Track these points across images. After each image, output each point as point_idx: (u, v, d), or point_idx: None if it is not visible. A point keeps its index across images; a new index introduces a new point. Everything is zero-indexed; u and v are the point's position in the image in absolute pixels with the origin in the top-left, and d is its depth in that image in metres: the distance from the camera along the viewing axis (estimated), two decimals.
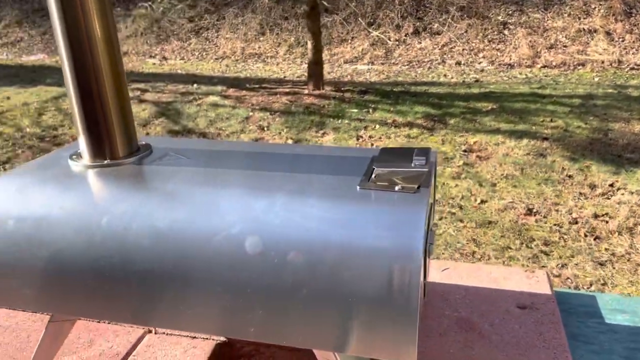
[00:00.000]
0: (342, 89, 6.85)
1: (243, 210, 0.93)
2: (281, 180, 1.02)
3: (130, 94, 6.88)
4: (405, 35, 10.52)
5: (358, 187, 0.97)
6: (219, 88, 7.13)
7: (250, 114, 5.89)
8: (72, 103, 1.09)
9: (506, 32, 10.15)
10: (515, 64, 9.27)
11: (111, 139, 1.10)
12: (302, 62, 10.32)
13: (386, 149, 1.10)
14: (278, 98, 6.43)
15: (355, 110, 5.83)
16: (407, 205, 0.89)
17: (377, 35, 10.55)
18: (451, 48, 10.07)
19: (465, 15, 10.56)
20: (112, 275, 0.93)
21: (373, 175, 0.99)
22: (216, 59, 10.81)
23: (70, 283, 0.96)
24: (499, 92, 6.61)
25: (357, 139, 5.02)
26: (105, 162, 1.12)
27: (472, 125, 5.20)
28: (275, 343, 0.91)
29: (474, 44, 10.01)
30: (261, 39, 11.35)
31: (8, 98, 6.79)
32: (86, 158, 1.14)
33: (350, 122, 5.48)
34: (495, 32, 10.13)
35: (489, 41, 10.02)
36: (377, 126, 5.31)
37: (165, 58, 10.84)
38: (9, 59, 10.83)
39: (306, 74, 8.89)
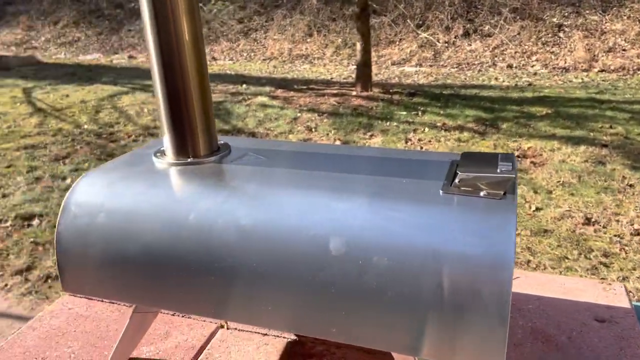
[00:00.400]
0: (391, 90, 6.80)
1: (326, 211, 0.93)
2: (361, 182, 1.02)
3: None
4: (455, 37, 10.36)
5: (441, 192, 0.96)
6: (267, 89, 7.20)
7: (298, 114, 5.93)
8: (159, 102, 1.11)
9: (561, 34, 9.84)
10: (571, 68, 8.97)
11: (194, 138, 1.13)
12: (349, 63, 10.31)
13: (468, 154, 1.07)
14: (326, 99, 6.44)
15: (404, 113, 5.77)
16: (495, 211, 0.87)
17: (426, 37, 10.42)
18: (502, 50, 9.85)
19: (518, 17, 10.30)
20: (197, 270, 0.95)
21: (457, 180, 0.97)
22: (264, 59, 10.93)
23: (157, 275, 0.98)
24: (554, 96, 6.41)
25: (406, 142, 4.97)
26: (189, 160, 1.15)
27: (525, 130, 5.06)
28: (357, 344, 0.90)
29: (526, 47, 9.75)
30: (308, 40, 11.41)
31: (67, 96, 7.06)
32: (170, 156, 1.17)
33: (398, 124, 5.44)
34: (550, 35, 9.84)
35: (543, 44, 9.74)
36: (427, 129, 5.25)
37: (214, 58, 11.05)
38: (66, 58, 11.28)
39: (353, 75, 8.88)
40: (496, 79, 8.30)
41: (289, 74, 9.15)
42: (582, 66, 8.96)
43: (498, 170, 0.96)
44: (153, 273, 0.99)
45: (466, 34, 10.40)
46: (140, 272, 0.99)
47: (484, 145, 4.76)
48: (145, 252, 0.97)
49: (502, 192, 0.93)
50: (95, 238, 0.99)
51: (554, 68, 9.11)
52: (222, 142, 1.25)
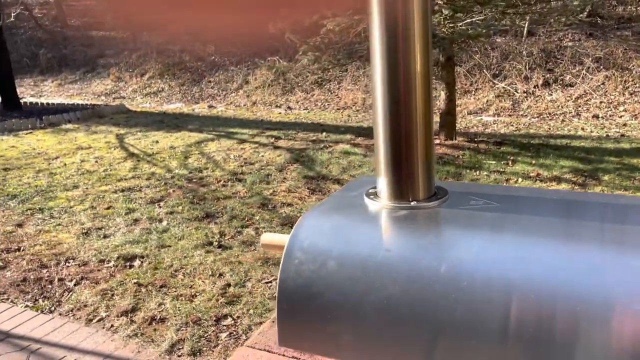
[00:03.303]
0: (475, 139, 6.65)
1: (620, 270, 0.79)
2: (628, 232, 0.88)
3: (265, 141, 7.20)
4: (535, 87, 10.12)
5: None
6: (347, 136, 7.24)
7: None
8: (379, 141, 1.07)
9: None
10: None
11: (414, 180, 1.06)
12: None
13: None
14: None
15: (493, 162, 5.59)
16: None
17: (504, 87, 10.25)
18: (586, 100, 9.49)
19: (601, 67, 9.96)
20: (457, 330, 0.83)
21: None
22: (337, 109, 11.09)
23: (400, 335, 0.87)
24: None
25: None
26: (412, 203, 1.07)
27: (630, 182, 4.74)
28: None
29: (612, 97, 9.36)
30: None
31: (157, 142, 7.40)
32: (385, 198, 1.09)
33: (489, 174, 5.26)
34: (638, 85, 9.42)
35: (630, 94, 9.31)
36: (520, 179, 5.03)
37: (290, 108, 11.33)
38: (151, 107, 11.93)
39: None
40: (583, 129, 7.96)
41: (364, 123, 9.19)
42: None
43: None
44: (395, 332, 0.87)
45: (546, 84, 10.14)
46: (379, 328, 0.88)
47: None
48: (386, 307, 0.87)
49: None
50: (324, 288, 0.90)
51: None
52: (436, 185, 1.16)
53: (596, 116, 8.96)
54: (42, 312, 3.20)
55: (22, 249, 4.02)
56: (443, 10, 5.34)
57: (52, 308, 3.24)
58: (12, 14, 10.76)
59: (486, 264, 0.85)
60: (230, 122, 9.05)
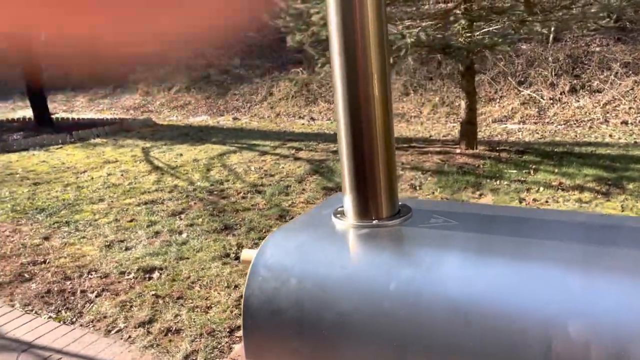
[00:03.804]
0: (497, 148, 6.57)
1: (556, 287, 0.81)
2: (584, 253, 0.90)
3: (286, 152, 7.27)
4: (561, 94, 9.94)
5: None
6: None
7: (401, 172, 5.86)
8: (343, 160, 1.10)
9: None
10: None
11: (377, 199, 1.09)
12: (446, 121, 10.20)
13: None
14: (429, 157, 6.34)
15: (514, 171, 5.52)
16: None
17: (529, 94, 10.10)
18: (615, 107, 9.28)
19: (630, 72, 9.73)
20: (404, 346, 0.86)
21: None
22: None
23: (353, 349, 0.91)
24: None
25: (520, 202, 4.71)
26: (374, 222, 1.10)
27: None
28: None
29: None
30: (404, 99, 11.49)
31: (181, 154, 7.55)
32: (351, 217, 1.13)
33: (509, 183, 5.19)
34: None
35: None
36: (541, 189, 4.95)
37: (312, 119, 11.41)
38: (178, 120, 12.18)
39: (453, 133, 8.74)
40: (611, 136, 7.77)
41: None
42: None
43: None
44: (348, 346, 0.91)
45: (573, 90, 9.95)
46: (334, 343, 0.92)
47: (610, 207, 4.38)
48: (340, 323, 0.91)
49: None
50: (286, 304, 0.95)
51: None
52: (400, 203, 1.19)
53: (625, 122, 8.75)
54: (64, 323, 3.30)
55: (47, 261, 4.16)
56: (462, 20, 5.34)
57: (74, 319, 3.34)
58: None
59: (432, 282, 0.87)
60: (253, 134, 9.16)
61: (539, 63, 10.60)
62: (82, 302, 3.53)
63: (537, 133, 8.35)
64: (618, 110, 9.24)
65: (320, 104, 12.16)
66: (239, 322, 3.11)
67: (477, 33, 4.82)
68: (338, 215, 1.14)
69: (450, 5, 5.30)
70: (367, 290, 0.90)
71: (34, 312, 3.46)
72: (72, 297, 3.60)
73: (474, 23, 4.94)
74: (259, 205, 5.20)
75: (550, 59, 10.74)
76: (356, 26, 1.02)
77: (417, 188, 5.34)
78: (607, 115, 9.17)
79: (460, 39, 4.83)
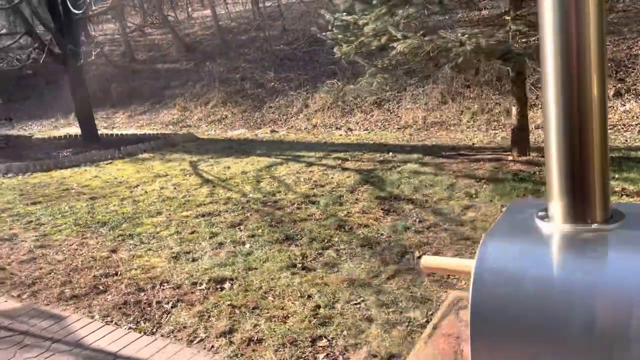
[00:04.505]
0: None
1: None
2: None
3: (332, 163, 7.31)
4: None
5: None
6: (414, 156, 7.23)
7: (454, 180, 5.83)
8: (551, 160, 1.09)
9: None
10: None
11: (591, 203, 1.09)
12: (487, 128, 10.10)
13: None
14: (481, 165, 6.29)
15: None
16: None
17: None
18: None
19: None
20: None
21: None
22: (398, 128, 11.10)
23: (604, 356, 0.89)
24: None
25: None
26: (593, 226, 1.07)
27: None
28: None
29: None
30: (443, 107, 11.43)
31: (228, 167, 7.66)
32: (560, 220, 1.11)
33: None
34: None
35: None
36: None
37: (350, 129, 11.44)
38: (216, 133, 12.35)
39: (495, 140, 8.66)
40: None
41: (426, 141, 9.15)
42: None
43: None
44: (593, 355, 0.90)
45: (618, 94, 9.76)
46: (581, 350, 0.91)
47: None
48: (587, 329, 0.89)
49: None
50: (523, 309, 0.94)
51: None
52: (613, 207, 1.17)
53: None
54: (144, 333, 3.37)
55: (119, 273, 4.26)
56: (511, 25, 5.31)
57: (154, 330, 3.41)
58: (93, 53, 11.53)
59: None
60: (295, 146, 9.24)
61: None
62: (159, 312, 3.60)
63: None
64: None
65: (357, 114, 12.19)
66: (319, 331, 3.13)
67: (533, 39, 4.80)
68: (545, 219, 1.13)
69: (501, 10, 5.28)
70: (617, 298, 0.88)
71: (113, 323, 3.55)
72: (149, 308, 3.67)
73: (529, 28, 4.91)
74: (315, 215, 5.24)
75: None
76: (573, 24, 1.03)
77: (474, 196, 5.30)
78: None
79: (515, 45, 4.80)
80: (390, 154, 7.57)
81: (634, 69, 10.04)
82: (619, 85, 9.92)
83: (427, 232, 4.52)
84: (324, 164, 7.27)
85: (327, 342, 3.02)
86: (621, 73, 10.15)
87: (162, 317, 3.54)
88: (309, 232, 4.76)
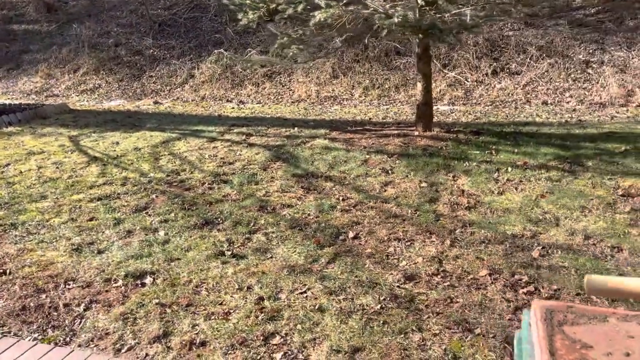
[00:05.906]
0: (452, 130, 6.73)
1: None
2: None
3: (236, 138, 6.90)
4: (484, 76, 10.45)
5: None
6: (322, 131, 7.09)
7: (367, 156, 5.80)
8: None
9: (590, 71, 9.98)
10: (607, 103, 9.04)
11: None
12: (379, 103, 10.32)
13: None
14: (390, 140, 6.34)
15: (477, 152, 5.67)
16: None
17: (454, 76, 10.50)
18: (534, 88, 9.93)
19: (544, 55, 10.44)
20: None
21: None
22: (292, 102, 10.89)
23: None
24: (621, 132, 6.38)
25: (496, 183, 4.85)
26: None
27: (615, 167, 4.98)
28: None
29: (557, 84, 9.85)
30: (334, 82, 11.44)
31: (117, 143, 6.88)
32: None
33: (478, 164, 5.32)
34: (579, 72, 9.97)
35: (574, 80, 9.85)
36: (509, 168, 5.14)
37: (242, 102, 10.98)
38: (91, 105, 11.13)
39: (389, 115, 8.87)
40: (538, 115, 8.30)
41: (323, 116, 9.08)
42: (619, 101, 9.04)
43: None
44: None
45: (494, 72, 10.50)
46: None
47: (581, 184, 4.64)
48: None
49: None
50: None
51: (590, 104, 9.17)
52: None
53: (545, 102, 9.40)
54: (56, 344, 2.84)
55: (8, 272, 3.56)
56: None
57: (67, 339, 2.88)
58: None
59: None
60: (189, 120, 8.60)
61: (460, 46, 11.02)
62: (69, 317, 3.06)
63: (470, 114, 8.70)
64: (537, 92, 9.91)
65: (248, 86, 11.74)
66: (270, 327, 2.87)
67: (448, 14, 4.83)
68: None
69: None
70: None
71: (12, 334, 2.94)
72: (55, 313, 3.11)
73: (438, 3, 4.92)
74: (231, 196, 4.87)
75: (470, 42, 11.21)
76: None
77: (389, 172, 5.31)
78: (528, 96, 9.79)
79: (430, 19, 4.79)
80: (296, 129, 7.34)
81: (507, 50, 10.86)
82: (495, 64, 10.67)
83: (355, 210, 4.41)
84: (227, 139, 6.83)
85: (281, 339, 2.76)
86: (496, 52, 10.92)
87: (74, 323, 3.01)
88: (229, 214, 4.40)
